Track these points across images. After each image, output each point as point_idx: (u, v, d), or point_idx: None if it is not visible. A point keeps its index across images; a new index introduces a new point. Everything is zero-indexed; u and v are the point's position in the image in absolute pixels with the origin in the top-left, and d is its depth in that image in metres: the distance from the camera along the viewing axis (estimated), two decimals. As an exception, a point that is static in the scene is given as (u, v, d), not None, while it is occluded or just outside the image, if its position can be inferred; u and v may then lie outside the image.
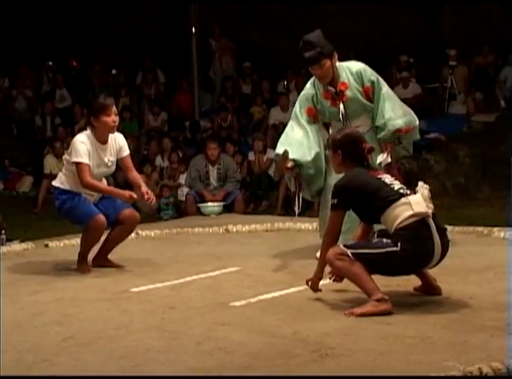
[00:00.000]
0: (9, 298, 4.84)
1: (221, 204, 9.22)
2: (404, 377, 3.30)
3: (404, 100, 12.22)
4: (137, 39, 15.09)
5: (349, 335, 3.85)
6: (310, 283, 4.56)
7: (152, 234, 7.16)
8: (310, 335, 3.88)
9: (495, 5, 12.78)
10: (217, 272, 5.44)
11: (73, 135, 12.48)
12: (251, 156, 10.65)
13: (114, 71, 14.29)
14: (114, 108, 5.57)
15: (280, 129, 11.50)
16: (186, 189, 9.74)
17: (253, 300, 4.62)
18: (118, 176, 8.88)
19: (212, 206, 9.11)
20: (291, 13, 14.18)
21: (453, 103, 12.32)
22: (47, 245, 6.64)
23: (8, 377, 3.27)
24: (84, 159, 5.46)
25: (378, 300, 4.18)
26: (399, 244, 4.19)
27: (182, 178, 10.12)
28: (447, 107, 12.32)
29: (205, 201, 9.23)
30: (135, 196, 5.52)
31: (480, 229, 6.59)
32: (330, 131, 5.70)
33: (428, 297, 4.51)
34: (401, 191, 4.33)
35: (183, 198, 9.71)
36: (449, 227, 6.33)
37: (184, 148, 11.75)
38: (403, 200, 4.26)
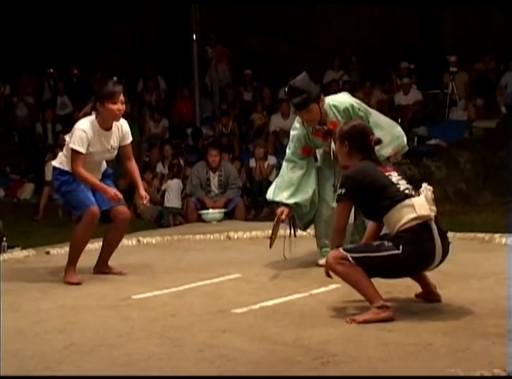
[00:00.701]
0: (11, 306, 4.84)
1: (222, 210, 9.22)
2: (405, 377, 3.29)
3: (405, 107, 12.38)
4: (138, 45, 15.12)
5: (351, 343, 3.84)
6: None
7: (154, 241, 7.16)
8: (311, 342, 3.87)
9: (495, 11, 12.80)
10: (219, 279, 5.44)
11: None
12: (252, 163, 10.66)
13: (115, 78, 14.28)
14: (121, 96, 5.43)
15: (280, 135, 11.54)
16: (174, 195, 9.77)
17: (254, 307, 4.61)
18: (120, 183, 8.89)
19: (213, 213, 9.11)
20: (291, 19, 14.21)
21: (454, 109, 12.33)
22: (48, 253, 6.63)
23: (8, 376, 3.26)
24: (81, 148, 5.37)
25: (379, 307, 4.17)
26: (401, 247, 4.18)
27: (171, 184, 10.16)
28: (448, 113, 12.34)
29: (207, 208, 9.23)
30: (120, 196, 5.43)
31: (481, 235, 6.59)
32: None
33: (430, 304, 4.50)
34: (407, 191, 4.31)
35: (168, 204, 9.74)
36: (450, 233, 6.33)
37: (185, 155, 11.76)
38: (407, 201, 4.25)
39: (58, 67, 14.44)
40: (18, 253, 6.68)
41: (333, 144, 5.56)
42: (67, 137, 5.58)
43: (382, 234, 4.46)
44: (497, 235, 6.49)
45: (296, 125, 5.78)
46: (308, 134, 5.72)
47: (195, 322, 4.34)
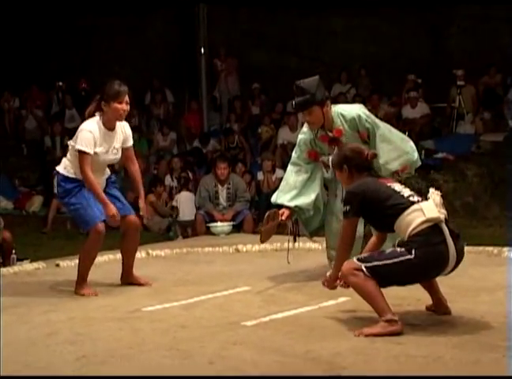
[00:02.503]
0: (22, 318, 4.86)
1: (231, 223, 9.24)
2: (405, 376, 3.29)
3: (412, 120, 12.39)
4: (145, 59, 15.18)
5: (361, 355, 3.85)
6: (326, 283, 4.57)
7: (163, 254, 7.18)
8: (321, 354, 3.88)
9: (503, 25, 12.84)
10: (228, 292, 5.45)
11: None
12: (260, 176, 10.68)
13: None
14: (126, 97, 5.49)
15: (288, 148, 11.56)
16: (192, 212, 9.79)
17: (264, 319, 4.62)
18: (128, 196, 8.91)
19: (221, 226, 9.12)
20: (299, 33, 14.27)
21: (462, 123, 12.35)
22: (58, 265, 6.65)
23: (8, 376, 3.27)
24: (88, 149, 5.38)
25: (387, 321, 4.17)
26: (413, 251, 4.18)
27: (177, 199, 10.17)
28: (455, 127, 12.36)
29: (215, 221, 9.25)
30: (118, 218, 5.44)
31: (490, 249, 6.59)
32: None
33: (440, 316, 4.51)
34: (411, 198, 4.34)
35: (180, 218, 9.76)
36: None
37: (195, 168, 11.79)
38: (414, 206, 4.28)
39: (67, 80, 14.51)
40: (28, 266, 6.70)
41: (326, 158, 5.62)
42: (71, 142, 5.58)
43: (397, 241, 4.46)
44: (505, 249, 6.49)
45: (304, 129, 5.82)
46: (314, 139, 5.74)
47: (205, 334, 4.35)
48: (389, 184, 4.46)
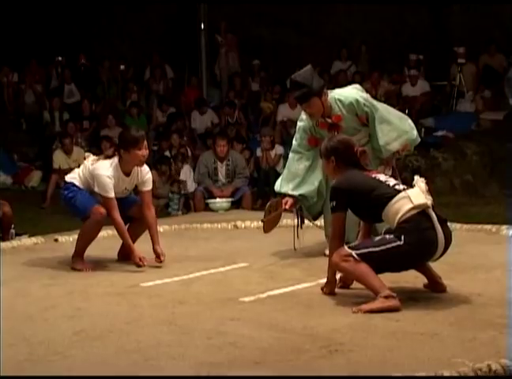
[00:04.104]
0: (20, 292, 4.88)
1: (229, 200, 9.24)
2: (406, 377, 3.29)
3: (412, 98, 12.35)
4: (145, 34, 15.11)
5: (358, 331, 3.87)
6: (325, 289, 4.60)
7: (161, 230, 7.15)
8: (319, 330, 3.90)
9: (504, 3, 12.77)
10: (226, 268, 5.47)
11: (82, 130, 12.53)
12: (259, 152, 10.66)
13: (122, 66, 14.30)
14: (145, 142, 5.52)
15: (288, 125, 11.54)
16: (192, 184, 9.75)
17: (262, 296, 4.64)
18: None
19: (220, 202, 9.13)
20: (300, 10, 14.19)
21: (462, 101, 12.32)
22: (56, 240, 6.67)
23: (8, 377, 3.29)
24: (111, 194, 5.46)
25: (385, 297, 4.20)
26: (402, 237, 4.23)
27: (182, 173, 10.12)
28: (455, 105, 12.33)
29: (214, 197, 9.25)
30: (145, 262, 5.46)
31: (488, 227, 6.60)
32: None
33: (437, 294, 4.53)
34: (397, 187, 4.40)
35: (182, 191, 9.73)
36: (457, 225, 6.41)
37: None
38: (401, 194, 4.32)
39: (66, 55, 14.44)
40: (27, 241, 6.71)
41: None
42: (89, 159, 5.61)
43: (384, 229, 4.49)
44: (504, 227, 6.50)
45: (303, 116, 5.81)
46: (314, 126, 5.73)
47: (203, 310, 4.37)
48: (373, 175, 4.52)
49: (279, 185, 5.85)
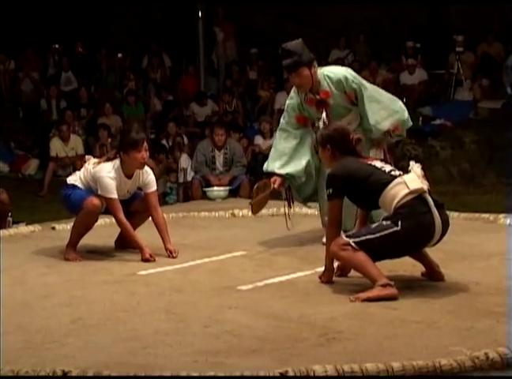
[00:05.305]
0: (18, 280, 4.87)
1: (227, 188, 9.24)
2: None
3: (410, 86, 12.34)
4: (143, 22, 15.08)
5: (356, 320, 3.87)
6: (322, 278, 4.60)
7: (159, 218, 7.16)
8: (316, 319, 3.90)
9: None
10: (224, 256, 5.46)
11: (79, 118, 12.51)
12: (258, 140, 10.65)
13: (120, 55, 14.28)
14: (145, 144, 5.47)
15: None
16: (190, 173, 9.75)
17: (259, 284, 4.63)
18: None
19: (218, 190, 9.12)
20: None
21: (460, 90, 12.32)
22: (53, 228, 6.64)
23: (8, 376, 3.28)
24: (114, 195, 5.42)
25: (383, 285, 4.20)
26: (399, 223, 4.23)
27: (182, 162, 10.12)
28: (453, 94, 12.33)
29: (211, 186, 9.24)
30: (154, 259, 5.39)
31: (485, 215, 6.58)
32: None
33: (434, 282, 4.53)
34: (393, 173, 4.40)
35: (181, 180, 9.70)
36: (454, 214, 6.39)
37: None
38: (397, 180, 4.32)
39: (63, 43, 14.40)
40: (24, 229, 6.70)
41: (323, 114, 5.58)
42: (90, 163, 5.58)
43: (381, 218, 4.49)
44: (501, 216, 6.48)
45: (292, 94, 5.78)
46: (302, 103, 5.69)
47: (201, 298, 4.37)
48: (369, 162, 4.51)
49: (266, 165, 5.81)
